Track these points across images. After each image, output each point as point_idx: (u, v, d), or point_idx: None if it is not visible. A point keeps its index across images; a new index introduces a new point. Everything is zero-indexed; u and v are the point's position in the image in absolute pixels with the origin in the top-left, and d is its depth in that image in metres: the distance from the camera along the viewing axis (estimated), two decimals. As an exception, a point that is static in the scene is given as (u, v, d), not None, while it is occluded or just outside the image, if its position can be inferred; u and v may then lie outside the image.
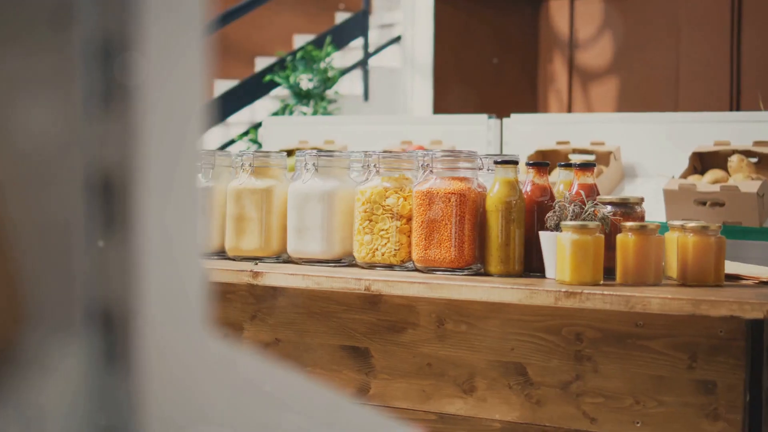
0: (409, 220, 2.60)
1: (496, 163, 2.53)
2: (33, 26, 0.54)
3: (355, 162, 2.80)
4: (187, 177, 0.60)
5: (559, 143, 4.25)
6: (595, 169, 4.10)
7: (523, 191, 2.56)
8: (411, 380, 2.48)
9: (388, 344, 2.51)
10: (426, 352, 2.47)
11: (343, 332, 2.57)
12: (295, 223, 2.73)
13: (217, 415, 0.63)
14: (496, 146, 4.52)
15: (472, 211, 2.53)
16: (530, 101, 7.95)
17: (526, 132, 4.42)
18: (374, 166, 2.66)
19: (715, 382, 2.18)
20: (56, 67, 0.54)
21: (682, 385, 2.21)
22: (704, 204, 3.68)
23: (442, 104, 7.61)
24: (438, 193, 2.53)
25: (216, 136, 7.82)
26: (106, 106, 0.55)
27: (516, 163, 2.54)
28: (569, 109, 7.71)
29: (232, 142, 7.46)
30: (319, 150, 2.83)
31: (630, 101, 7.32)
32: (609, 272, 2.40)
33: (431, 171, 2.57)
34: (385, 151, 2.70)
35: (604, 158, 4.14)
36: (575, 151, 4.23)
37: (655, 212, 3.83)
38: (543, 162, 2.61)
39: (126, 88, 0.55)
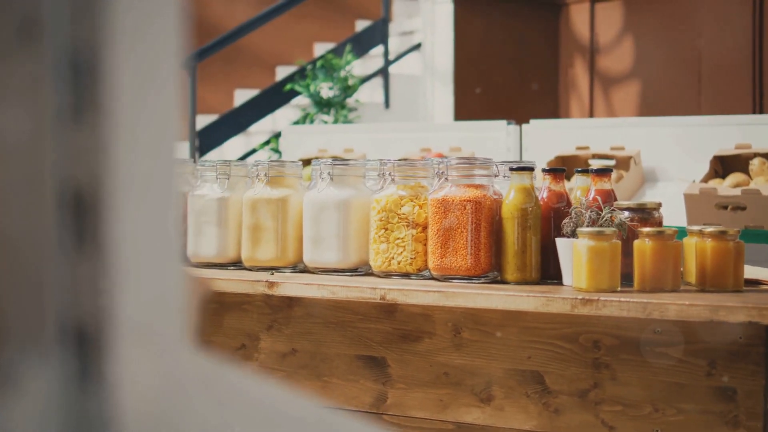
0: (425, 228, 2.58)
1: (511, 169, 2.51)
2: (0, 37, 0.53)
3: (371, 170, 2.79)
4: (163, 190, 0.59)
5: (578, 148, 4.23)
6: (615, 174, 4.08)
7: (540, 198, 2.54)
8: (428, 390, 2.46)
9: (404, 353, 2.50)
10: (443, 361, 2.45)
11: (360, 342, 2.56)
12: (310, 232, 2.72)
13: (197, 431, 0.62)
14: (515, 152, 4.50)
15: (488, 219, 2.51)
16: (552, 107, 7.92)
17: (546, 138, 4.40)
18: (389, 174, 2.65)
19: (735, 389, 2.15)
20: (25, 80, 0.53)
21: (701, 392, 2.18)
22: (725, 208, 3.64)
23: (463, 111, 7.59)
24: (453, 200, 2.51)
25: (238, 145, 7.83)
26: (76, 120, 0.54)
27: (531, 169, 2.52)
28: (591, 114, 7.68)
29: (253, 151, 7.47)
30: (335, 159, 2.82)
31: (652, 105, 7.28)
32: (627, 278, 2.38)
33: (446, 179, 2.55)
34: (400, 159, 2.69)
35: (625, 163, 4.12)
36: (595, 156, 4.20)
37: (675, 217, 3.79)
38: (559, 168, 2.59)
39: (97, 101, 0.54)
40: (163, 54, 0.56)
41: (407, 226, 2.59)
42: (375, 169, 2.76)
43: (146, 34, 0.56)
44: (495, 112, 7.33)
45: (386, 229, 2.61)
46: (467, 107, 7.62)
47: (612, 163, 4.16)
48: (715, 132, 4.09)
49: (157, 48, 0.56)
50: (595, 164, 4.19)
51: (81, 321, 0.55)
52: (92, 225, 0.55)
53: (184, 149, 7.65)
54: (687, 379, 2.19)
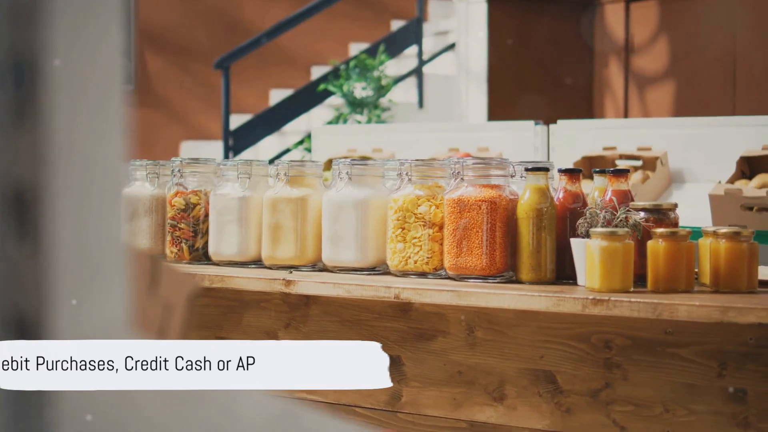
0: (442, 228, 2.60)
1: (526, 170, 2.52)
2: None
3: (391, 170, 2.81)
4: (104, 188, 0.61)
5: (605, 149, 4.22)
6: (641, 175, 4.07)
7: (556, 198, 2.55)
8: (442, 388, 2.48)
9: (419, 352, 2.52)
10: (456, 360, 2.46)
11: (375, 340, 2.57)
12: (329, 231, 2.75)
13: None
14: (543, 152, 4.50)
15: (503, 219, 2.52)
16: (586, 107, 7.90)
17: (574, 138, 4.40)
18: (406, 174, 2.67)
19: (746, 390, 2.15)
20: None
21: (713, 393, 2.18)
22: (751, 209, 3.62)
23: (497, 111, 7.59)
24: (469, 200, 2.53)
25: (272, 144, 7.88)
26: (18, 121, 0.57)
27: (547, 170, 2.52)
28: (625, 114, 7.65)
29: (287, 151, 7.51)
30: (362, 158, 2.84)
31: (687, 106, 7.24)
32: (643, 279, 2.38)
33: (462, 179, 2.57)
34: (417, 159, 2.70)
35: (651, 163, 4.11)
36: (622, 156, 4.19)
37: (702, 218, 3.78)
38: (575, 169, 2.60)
39: (37, 104, 0.56)
40: (104, 59, 0.59)
41: (424, 225, 2.61)
42: (394, 169, 2.78)
43: (86, 41, 0.58)
44: (529, 112, 7.32)
45: (403, 229, 2.63)
46: (501, 107, 7.61)
47: (638, 163, 4.15)
48: (744, 133, 4.07)
49: (98, 53, 0.58)
50: (622, 165, 4.18)
51: (23, 313, 0.58)
52: (33, 222, 0.57)
53: (217, 148, 7.71)
54: (698, 380, 2.20)
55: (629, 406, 2.26)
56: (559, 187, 2.60)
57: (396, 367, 2.54)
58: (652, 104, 7.48)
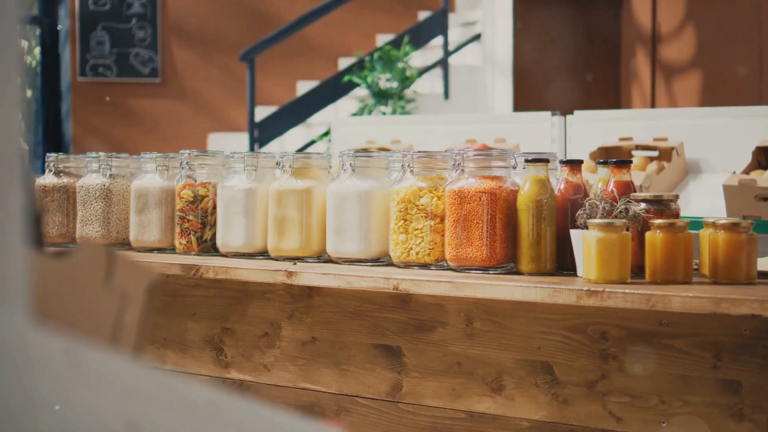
0: (443, 219, 2.61)
1: (526, 161, 2.52)
2: None
3: (395, 162, 2.82)
4: (1, 177, 0.63)
5: (621, 139, 4.21)
6: (657, 165, 4.05)
7: (557, 189, 2.55)
8: (441, 379, 2.49)
9: (419, 343, 2.53)
10: (455, 351, 2.47)
11: (377, 331, 2.59)
12: (333, 223, 2.76)
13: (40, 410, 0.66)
14: (560, 143, 4.49)
15: (504, 210, 2.52)
16: (613, 97, 7.86)
17: (590, 128, 4.39)
18: (408, 165, 2.68)
19: (740, 381, 2.14)
20: None
21: (707, 384, 2.18)
22: (765, 200, 3.60)
23: (523, 102, 7.57)
24: (469, 192, 2.53)
25: (298, 136, 7.91)
26: None
27: (547, 161, 2.52)
28: (653, 105, 7.61)
29: (312, 142, 7.54)
30: (357, 150, 2.86)
31: (713, 95, 7.19)
32: (644, 270, 2.38)
33: (463, 170, 2.57)
34: (419, 151, 2.71)
35: (667, 154, 4.09)
36: (638, 147, 4.18)
37: (718, 209, 3.76)
38: (576, 160, 2.60)
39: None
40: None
41: (425, 217, 2.62)
42: (398, 160, 2.79)
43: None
44: (554, 103, 7.30)
45: (405, 220, 2.64)
46: (526, 98, 7.60)
47: (655, 154, 4.13)
48: (762, 123, 4.04)
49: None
50: (637, 155, 4.17)
51: None
52: None
53: (244, 140, 7.75)
54: (693, 372, 2.19)
55: (625, 397, 2.26)
56: (560, 177, 2.60)
57: (396, 357, 2.56)
58: (679, 94, 7.44)
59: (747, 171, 3.78)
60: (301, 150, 7.38)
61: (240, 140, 7.99)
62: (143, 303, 1.15)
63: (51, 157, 3.33)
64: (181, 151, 3.07)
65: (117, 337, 1.10)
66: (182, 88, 8.49)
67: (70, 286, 1.06)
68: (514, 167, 2.61)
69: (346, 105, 7.95)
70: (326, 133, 7.34)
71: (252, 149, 7.34)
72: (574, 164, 2.59)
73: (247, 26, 8.50)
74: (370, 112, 7.22)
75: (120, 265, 1.10)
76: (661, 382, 2.22)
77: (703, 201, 4.00)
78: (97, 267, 1.08)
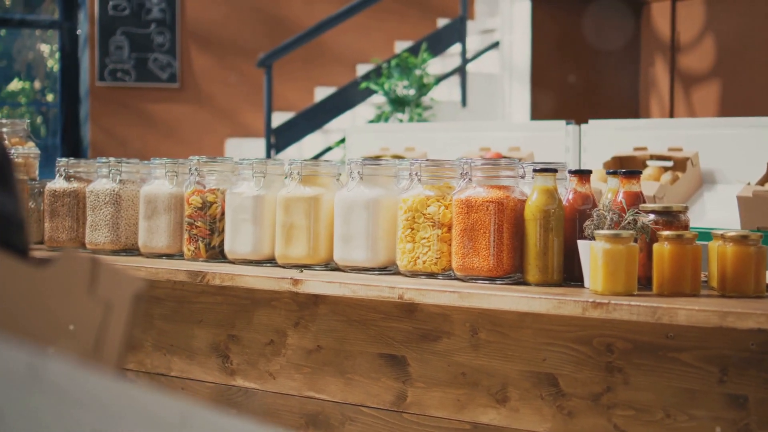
0: (451, 228, 2.59)
1: (534, 171, 2.50)
2: None
3: (404, 170, 2.80)
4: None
5: (636, 149, 4.18)
6: (671, 176, 4.02)
7: (566, 199, 2.53)
8: (446, 389, 2.47)
9: (424, 353, 2.51)
10: (460, 361, 2.46)
11: (382, 340, 2.58)
12: (341, 230, 2.75)
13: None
14: (574, 152, 4.46)
15: (511, 220, 2.50)
16: (632, 106, 7.82)
17: (605, 138, 4.36)
18: (416, 174, 2.66)
19: (747, 396, 2.11)
20: None
21: (713, 399, 2.15)
22: (780, 211, 3.56)
23: (540, 110, 7.54)
24: (476, 201, 2.51)
25: (315, 142, 7.90)
26: None
27: (555, 171, 2.50)
28: (671, 114, 7.56)
29: (329, 149, 7.53)
30: (365, 158, 2.84)
31: (732, 105, 7.14)
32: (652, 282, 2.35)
33: (470, 179, 2.56)
34: (427, 159, 2.70)
35: (681, 164, 4.06)
36: (653, 157, 4.15)
37: (733, 220, 3.73)
38: (585, 170, 2.58)
39: None
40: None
41: (432, 226, 2.60)
42: (407, 169, 2.77)
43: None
44: (572, 111, 7.27)
45: (412, 229, 2.62)
46: (544, 106, 7.57)
47: (669, 164, 4.10)
48: (778, 133, 4.00)
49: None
50: (651, 165, 4.14)
51: None
52: None
53: (262, 146, 7.75)
54: (699, 386, 2.17)
55: (630, 410, 2.24)
56: (569, 188, 2.57)
57: (401, 367, 2.54)
58: (698, 104, 7.39)
59: (762, 182, 3.75)
60: (317, 157, 7.38)
61: (257, 146, 7.99)
62: (127, 311, 1.14)
63: (61, 161, 3.33)
64: (191, 158, 3.06)
65: (100, 346, 1.09)
66: (200, 93, 8.50)
67: (53, 295, 1.05)
68: (522, 177, 2.59)
69: (364, 112, 7.94)
70: (343, 140, 7.33)
71: (269, 155, 7.34)
72: (583, 174, 2.57)
73: (266, 32, 8.51)
74: (387, 119, 7.21)
75: (104, 273, 1.10)
76: (666, 396, 2.20)
77: (718, 212, 3.97)
78: (81, 275, 1.07)
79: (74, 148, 8.41)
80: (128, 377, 3.00)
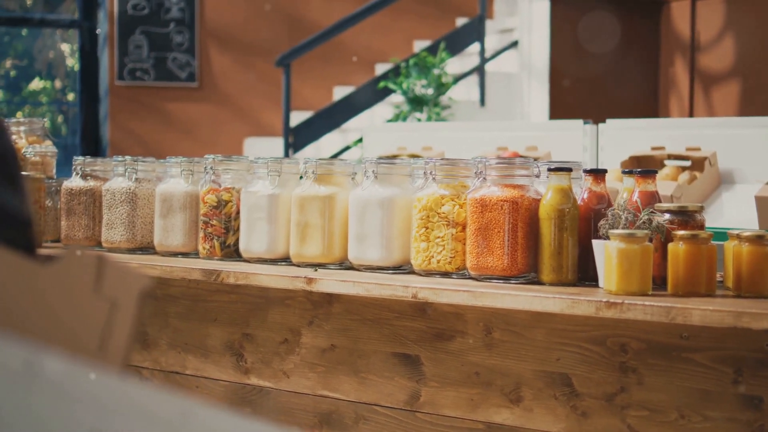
0: (465, 227, 2.58)
1: (549, 170, 2.49)
2: None
3: (419, 169, 2.80)
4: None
5: (654, 149, 4.16)
6: (688, 176, 4.00)
7: (581, 199, 2.52)
8: (459, 389, 2.47)
9: (437, 352, 2.51)
10: (474, 361, 2.45)
11: (395, 339, 2.57)
12: (355, 229, 2.75)
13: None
14: (592, 152, 4.45)
15: (525, 219, 2.49)
16: (651, 106, 7.79)
17: (623, 137, 4.34)
18: (431, 173, 2.65)
19: (762, 397, 2.10)
20: None
21: (728, 399, 2.14)
22: (798, 212, 3.54)
23: (559, 109, 7.52)
24: (491, 200, 2.51)
25: (333, 142, 7.90)
26: None
27: (569, 170, 2.49)
28: (691, 114, 7.53)
29: (347, 148, 7.53)
30: (380, 157, 2.84)
31: (753, 104, 7.10)
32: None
33: (485, 178, 2.55)
34: (442, 159, 2.69)
35: (699, 164, 4.03)
36: (670, 156, 4.13)
37: (752, 220, 3.70)
38: (600, 169, 2.56)
39: None
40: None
41: (447, 225, 2.60)
42: (422, 168, 2.77)
43: None
44: (591, 110, 7.24)
45: (427, 228, 2.62)
46: (563, 105, 7.55)
47: (687, 164, 4.08)
48: (797, 133, 3.98)
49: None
50: (669, 165, 4.12)
51: None
52: None
53: (281, 145, 7.76)
54: (713, 386, 2.15)
55: (644, 411, 2.22)
56: (584, 187, 2.56)
57: (415, 366, 2.54)
58: (718, 103, 7.36)
59: (780, 182, 3.72)
60: (335, 156, 7.38)
61: (276, 145, 8.00)
62: (133, 309, 1.14)
63: (78, 160, 3.35)
64: (206, 156, 3.06)
65: (105, 344, 1.09)
66: (219, 92, 8.52)
67: (58, 292, 1.05)
68: (537, 176, 2.58)
69: (382, 111, 7.94)
70: (361, 140, 7.33)
71: (287, 154, 7.35)
72: (598, 173, 2.56)
73: (284, 31, 8.52)
74: (405, 119, 7.21)
75: (109, 271, 1.09)
76: (680, 397, 2.19)
77: (736, 212, 3.94)
78: (86, 273, 1.07)
79: (94, 147, 8.44)
80: (134, 375, 3.01)
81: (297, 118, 7.81)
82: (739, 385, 2.12)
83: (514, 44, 7.98)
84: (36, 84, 9.09)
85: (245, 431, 0.84)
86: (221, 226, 3.00)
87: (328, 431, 2.66)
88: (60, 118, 9.07)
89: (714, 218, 3.88)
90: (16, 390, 0.74)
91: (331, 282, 2.55)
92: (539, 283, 2.46)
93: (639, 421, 2.23)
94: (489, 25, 8.30)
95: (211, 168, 3.03)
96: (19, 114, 8.88)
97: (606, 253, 2.30)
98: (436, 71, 7.26)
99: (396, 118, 7.29)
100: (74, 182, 3.32)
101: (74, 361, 0.77)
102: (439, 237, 2.60)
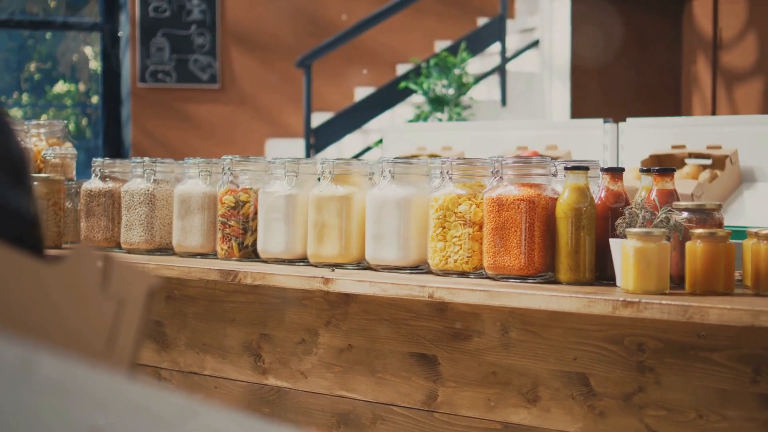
0: (482, 227, 2.57)
1: (565, 169, 2.48)
2: None
3: (437, 169, 2.79)
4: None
5: (674, 147, 4.13)
6: (709, 174, 3.98)
7: (598, 197, 2.51)
8: (477, 389, 2.46)
9: (455, 352, 2.50)
10: (491, 360, 2.44)
11: (412, 339, 2.57)
12: (372, 229, 2.74)
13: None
14: (612, 151, 4.43)
15: (542, 218, 2.48)
16: (673, 104, 7.75)
17: (643, 136, 4.32)
18: (447, 172, 2.65)
19: (780, 396, 2.08)
20: None
21: (746, 399, 2.12)
22: (820, 210, 3.51)
23: (581, 108, 7.50)
24: (507, 199, 2.50)
25: (354, 142, 7.91)
26: None
27: (586, 169, 2.48)
28: (713, 112, 7.49)
29: (368, 149, 7.53)
30: (397, 157, 2.84)
31: (776, 102, 7.05)
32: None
33: (501, 177, 2.54)
34: (458, 158, 2.68)
35: (720, 162, 4.01)
36: (691, 155, 4.10)
37: (773, 218, 3.68)
38: (617, 168, 2.55)
39: None
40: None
41: (464, 224, 2.59)
42: (438, 167, 2.76)
43: None
44: (613, 109, 7.22)
45: (444, 228, 2.61)
46: (585, 104, 7.52)
47: (708, 162, 4.05)
48: (819, 130, 3.94)
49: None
50: (690, 163, 4.09)
51: None
52: None
53: (302, 146, 7.77)
54: (731, 386, 2.14)
55: (662, 410, 2.21)
56: (601, 186, 2.55)
57: (432, 366, 2.53)
58: (741, 101, 7.31)
59: (802, 180, 3.69)
60: (356, 157, 7.38)
61: (297, 146, 8.01)
62: (140, 309, 1.14)
63: (97, 161, 3.36)
64: (223, 157, 3.07)
65: (112, 344, 1.09)
66: (240, 94, 8.54)
67: (64, 292, 1.05)
68: (554, 175, 2.57)
69: (403, 111, 7.94)
70: (381, 140, 7.33)
71: (308, 155, 7.35)
72: (615, 172, 2.54)
73: (305, 32, 8.53)
74: (426, 119, 7.20)
75: (116, 270, 1.10)
76: (698, 396, 2.17)
77: (758, 210, 3.92)
78: (93, 272, 1.07)
79: (116, 149, 8.48)
80: (144, 374, 3.01)
81: (318, 119, 7.82)
82: (758, 385, 2.11)
83: (535, 43, 7.96)
84: (60, 87, 9.14)
85: (245, 430, 0.84)
86: (239, 226, 3.00)
87: (345, 431, 2.66)
88: (84, 121, 9.12)
89: (735, 217, 3.85)
90: (16, 389, 0.74)
91: (347, 282, 2.55)
92: (556, 282, 2.45)
93: (657, 421, 2.22)
94: (510, 24, 8.28)
95: (229, 169, 3.04)
96: (43, 117, 8.93)
97: (623, 251, 2.29)
98: (456, 71, 7.25)
99: (417, 118, 7.28)
100: (93, 184, 3.33)
101: (75, 359, 0.77)
102: (455, 236, 2.59)
